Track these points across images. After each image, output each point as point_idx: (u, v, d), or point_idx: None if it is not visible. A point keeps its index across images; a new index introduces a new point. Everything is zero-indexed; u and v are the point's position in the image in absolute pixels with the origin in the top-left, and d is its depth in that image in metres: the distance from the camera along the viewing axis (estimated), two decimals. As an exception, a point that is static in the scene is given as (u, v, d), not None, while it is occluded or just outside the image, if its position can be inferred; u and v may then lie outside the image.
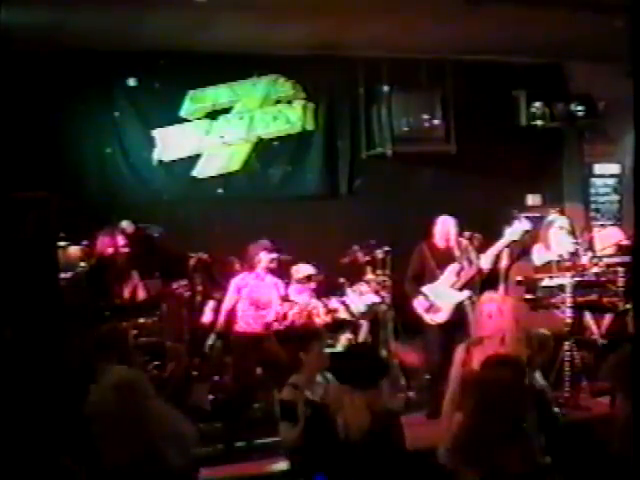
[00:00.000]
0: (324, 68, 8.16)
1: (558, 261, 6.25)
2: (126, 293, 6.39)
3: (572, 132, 9.03)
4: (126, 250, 6.47)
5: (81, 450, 3.27)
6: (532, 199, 8.98)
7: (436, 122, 8.26)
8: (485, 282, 6.65)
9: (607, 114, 8.66)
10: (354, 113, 8.45)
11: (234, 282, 6.60)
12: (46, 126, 7.23)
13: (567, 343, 6.06)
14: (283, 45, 7.60)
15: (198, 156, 8.01)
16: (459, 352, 4.61)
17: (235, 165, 8.13)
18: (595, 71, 8.61)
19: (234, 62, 7.92)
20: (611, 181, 9.25)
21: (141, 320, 6.18)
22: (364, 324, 6.96)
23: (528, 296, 6.40)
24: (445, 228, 6.59)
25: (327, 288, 7.13)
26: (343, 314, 6.83)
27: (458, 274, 6.46)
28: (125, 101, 7.75)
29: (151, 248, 7.07)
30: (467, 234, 6.69)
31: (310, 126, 8.35)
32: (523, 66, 8.66)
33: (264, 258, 6.56)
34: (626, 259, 6.17)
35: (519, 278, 6.55)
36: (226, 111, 8.09)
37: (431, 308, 6.51)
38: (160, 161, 7.88)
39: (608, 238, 7.23)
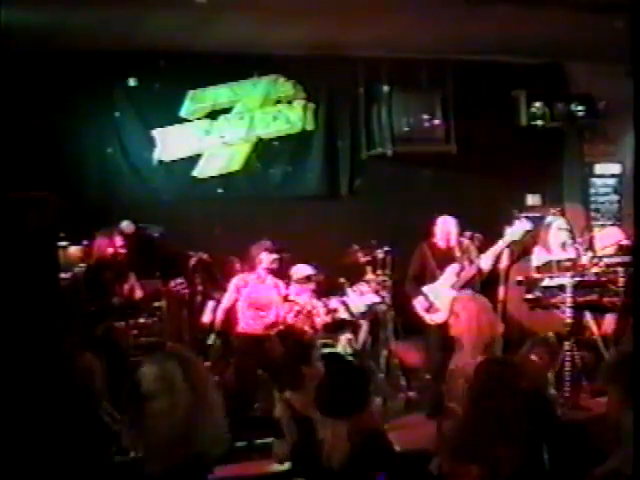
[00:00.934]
0: (324, 68, 8.16)
1: (558, 261, 6.25)
2: (124, 293, 6.39)
3: (572, 132, 9.03)
4: (124, 251, 6.47)
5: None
6: (532, 199, 8.97)
7: (436, 122, 8.26)
8: (485, 282, 6.66)
9: (607, 114, 8.66)
10: (354, 113, 8.45)
11: (234, 282, 6.60)
12: (46, 126, 7.23)
13: (567, 343, 6.06)
14: (283, 45, 7.59)
15: (198, 156, 8.01)
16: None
17: (235, 165, 8.13)
18: (595, 71, 8.61)
19: (234, 62, 7.92)
20: (611, 181, 9.25)
21: (141, 320, 6.19)
22: (364, 324, 6.96)
23: (528, 296, 6.40)
24: (446, 228, 6.60)
25: (327, 288, 7.13)
26: (343, 314, 6.83)
27: (458, 274, 6.47)
28: (125, 101, 7.75)
29: (151, 248, 7.07)
30: (468, 234, 6.70)
31: (310, 126, 8.35)
32: (523, 66, 8.66)
33: (265, 259, 6.57)
34: (626, 259, 6.17)
35: (519, 278, 6.55)
36: (226, 111, 8.09)
37: (431, 308, 6.51)
38: (160, 161, 7.88)
39: (608, 238, 7.22)
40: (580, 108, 8.61)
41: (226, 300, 6.58)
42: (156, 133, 7.84)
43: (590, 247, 7.08)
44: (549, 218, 6.95)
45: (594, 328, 6.61)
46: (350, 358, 5.83)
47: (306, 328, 6.61)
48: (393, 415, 6.33)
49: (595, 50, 7.68)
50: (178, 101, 7.89)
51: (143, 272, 6.67)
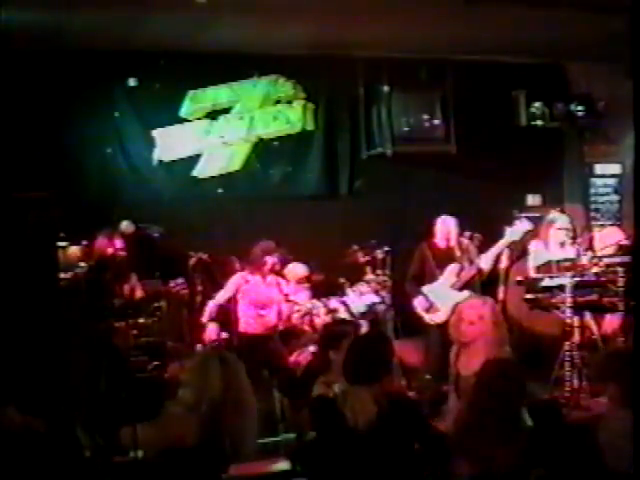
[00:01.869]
0: (324, 68, 8.16)
1: (558, 261, 6.25)
2: (124, 294, 6.39)
3: (572, 132, 9.03)
4: (123, 253, 6.47)
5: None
6: (532, 199, 8.97)
7: (436, 122, 8.26)
8: (485, 282, 6.66)
9: (607, 114, 8.65)
10: (354, 113, 8.45)
11: (234, 280, 6.57)
12: (46, 126, 7.23)
13: (567, 343, 6.06)
14: (283, 45, 7.59)
15: (198, 156, 8.02)
16: (451, 355, 4.65)
17: (235, 165, 8.13)
18: (595, 71, 8.62)
19: (234, 62, 7.92)
20: (611, 181, 9.24)
21: (141, 320, 6.19)
22: (364, 324, 6.96)
23: (528, 296, 6.40)
24: (446, 228, 6.60)
25: (327, 288, 7.13)
26: (343, 314, 6.83)
27: (458, 274, 6.47)
28: (125, 101, 7.76)
29: (151, 248, 7.07)
30: (467, 234, 6.70)
31: (310, 126, 8.35)
32: (523, 66, 8.66)
33: (269, 260, 6.55)
34: (626, 259, 6.17)
35: (519, 278, 6.54)
36: (226, 111, 8.09)
37: (431, 308, 6.51)
38: (160, 161, 7.88)
39: (608, 238, 7.21)
40: (580, 108, 8.60)
41: (220, 296, 6.54)
42: (156, 133, 7.84)
43: (590, 247, 7.07)
44: (551, 215, 6.95)
45: (594, 328, 6.60)
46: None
47: (306, 327, 6.61)
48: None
49: (595, 50, 7.69)
50: (178, 101, 7.89)
51: (143, 272, 6.67)
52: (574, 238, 6.68)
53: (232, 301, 6.65)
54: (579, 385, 5.96)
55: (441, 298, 6.45)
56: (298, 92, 8.30)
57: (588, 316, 6.51)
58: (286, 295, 6.70)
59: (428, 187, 8.47)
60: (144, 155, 7.85)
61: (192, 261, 6.96)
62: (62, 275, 6.10)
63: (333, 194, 8.45)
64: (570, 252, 6.50)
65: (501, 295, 7.09)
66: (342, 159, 8.49)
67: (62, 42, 6.98)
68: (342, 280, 7.09)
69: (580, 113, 8.62)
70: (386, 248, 7.13)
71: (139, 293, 6.48)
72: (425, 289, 6.54)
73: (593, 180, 9.24)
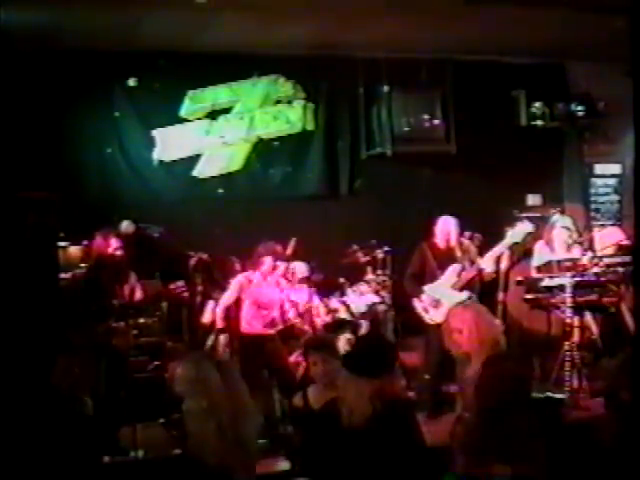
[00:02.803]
0: (324, 68, 8.17)
1: (558, 261, 6.25)
2: (123, 294, 6.38)
3: (572, 132, 9.03)
4: (120, 253, 6.47)
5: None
6: (532, 199, 8.97)
7: (436, 122, 8.26)
8: (485, 283, 6.65)
9: (607, 114, 8.66)
10: (354, 113, 8.45)
11: (238, 280, 6.54)
12: (46, 126, 7.23)
13: (567, 343, 6.06)
14: (283, 45, 7.59)
15: (198, 156, 8.02)
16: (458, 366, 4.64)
17: (235, 165, 8.13)
18: (595, 71, 8.62)
19: (234, 62, 7.93)
20: (611, 181, 9.25)
21: (141, 320, 6.18)
22: (364, 324, 6.96)
23: (528, 296, 6.40)
24: (446, 228, 6.58)
25: (327, 288, 7.13)
26: (343, 314, 6.83)
27: (459, 274, 6.46)
28: (125, 101, 7.76)
29: (151, 248, 7.07)
30: (468, 234, 6.69)
31: (310, 126, 8.35)
32: (523, 66, 8.66)
33: (270, 260, 6.52)
34: (626, 259, 6.17)
35: (519, 278, 6.54)
36: (226, 111, 8.10)
37: (431, 308, 6.50)
38: (160, 161, 7.89)
39: (608, 238, 7.22)
40: (580, 108, 8.61)
41: (226, 298, 6.53)
42: (156, 133, 7.85)
43: (590, 247, 7.07)
44: (554, 217, 6.94)
45: (594, 328, 6.60)
46: None
47: (306, 327, 6.60)
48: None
49: (595, 50, 7.69)
50: (178, 101, 7.89)
51: (143, 272, 6.66)
52: (580, 237, 6.67)
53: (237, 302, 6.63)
54: (579, 385, 5.96)
55: (441, 298, 6.43)
56: (298, 92, 8.30)
57: (588, 316, 6.51)
58: (288, 295, 6.67)
59: (428, 187, 8.47)
60: (144, 155, 7.85)
61: (192, 261, 6.96)
62: (62, 275, 6.10)
63: (333, 194, 8.45)
64: (575, 253, 6.49)
65: (501, 296, 7.09)
66: (342, 159, 8.49)
67: (62, 42, 6.98)
68: (342, 280, 7.08)
69: (580, 113, 8.63)
70: (386, 248, 7.13)
71: (139, 293, 6.47)
72: (425, 289, 6.53)
73: (593, 180, 9.24)
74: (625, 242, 6.76)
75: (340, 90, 8.45)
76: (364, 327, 6.95)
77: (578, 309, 6.16)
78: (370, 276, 7.17)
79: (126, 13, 6.43)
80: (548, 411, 4.01)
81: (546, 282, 6.21)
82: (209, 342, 6.60)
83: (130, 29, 6.82)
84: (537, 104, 8.55)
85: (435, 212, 6.78)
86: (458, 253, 6.46)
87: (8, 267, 5.25)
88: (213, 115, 8.04)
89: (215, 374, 3.01)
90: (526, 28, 7.09)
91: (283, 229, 7.45)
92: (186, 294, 6.86)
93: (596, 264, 6.27)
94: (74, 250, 6.72)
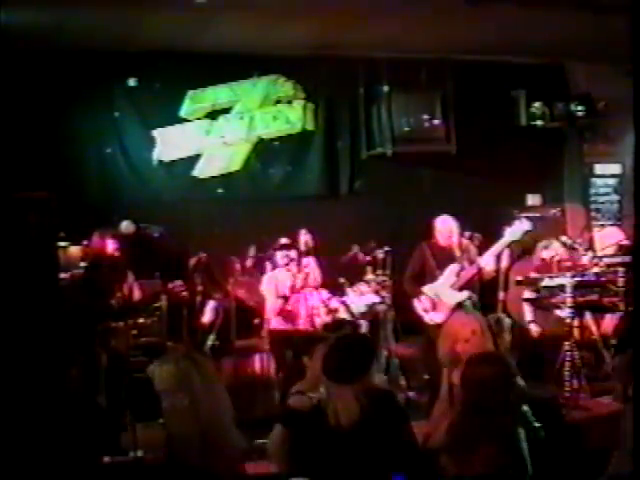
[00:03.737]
0: (324, 68, 8.17)
1: (558, 261, 6.25)
2: (122, 294, 6.38)
3: (572, 132, 9.04)
4: (117, 253, 6.46)
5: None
6: (532, 199, 8.98)
7: (436, 122, 8.27)
8: (485, 282, 6.65)
9: (607, 114, 8.66)
10: (354, 113, 8.46)
11: (271, 282, 6.45)
12: (46, 126, 7.23)
13: (567, 343, 6.05)
14: (283, 45, 7.60)
15: (198, 156, 8.02)
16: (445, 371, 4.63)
17: (235, 165, 8.14)
18: (595, 71, 8.62)
19: (234, 62, 7.93)
20: (611, 181, 9.25)
21: (141, 320, 6.18)
22: (364, 324, 6.95)
23: (528, 296, 6.40)
24: (446, 228, 6.57)
25: (327, 288, 7.12)
26: (343, 314, 6.82)
27: (458, 274, 6.46)
28: (125, 101, 7.76)
29: (151, 248, 7.07)
30: (467, 234, 6.69)
31: (310, 126, 8.36)
32: (523, 66, 8.66)
33: (282, 255, 6.48)
34: (626, 259, 6.17)
35: (519, 278, 6.54)
36: (226, 111, 8.10)
37: (431, 308, 6.50)
38: (160, 161, 7.89)
39: (608, 238, 7.22)
40: (580, 108, 8.61)
41: (273, 306, 6.38)
42: (156, 133, 7.85)
43: (590, 247, 7.07)
44: (545, 242, 6.88)
45: (594, 328, 6.60)
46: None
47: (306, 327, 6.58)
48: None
49: (595, 50, 7.69)
50: (178, 101, 7.90)
51: (143, 272, 6.66)
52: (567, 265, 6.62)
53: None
54: (579, 385, 5.95)
55: (441, 298, 6.43)
56: (298, 92, 8.31)
57: (588, 316, 6.51)
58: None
59: (428, 187, 8.48)
60: (144, 155, 7.85)
61: (192, 261, 6.96)
62: (62, 275, 6.09)
63: (333, 194, 8.46)
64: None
65: (501, 295, 7.09)
66: (342, 159, 8.49)
67: (62, 42, 6.98)
68: (342, 280, 7.08)
69: (580, 113, 8.63)
70: (386, 248, 7.12)
71: (137, 293, 6.47)
72: (425, 289, 6.52)
73: (593, 180, 9.24)
74: (625, 242, 6.76)
75: (340, 90, 8.46)
76: (364, 327, 6.95)
77: (578, 309, 6.16)
78: (370, 276, 7.16)
79: (126, 13, 6.43)
80: (548, 411, 3.99)
81: (546, 282, 6.21)
82: (209, 342, 6.60)
83: (130, 29, 6.82)
84: (537, 104, 8.56)
85: (435, 212, 6.78)
86: (458, 253, 6.45)
87: (8, 267, 5.25)
88: (213, 115, 8.05)
89: (194, 371, 3.02)
90: (526, 28, 7.08)
91: (283, 229, 7.46)
92: (185, 293, 6.85)
93: (596, 264, 6.27)
94: (74, 250, 6.72)
